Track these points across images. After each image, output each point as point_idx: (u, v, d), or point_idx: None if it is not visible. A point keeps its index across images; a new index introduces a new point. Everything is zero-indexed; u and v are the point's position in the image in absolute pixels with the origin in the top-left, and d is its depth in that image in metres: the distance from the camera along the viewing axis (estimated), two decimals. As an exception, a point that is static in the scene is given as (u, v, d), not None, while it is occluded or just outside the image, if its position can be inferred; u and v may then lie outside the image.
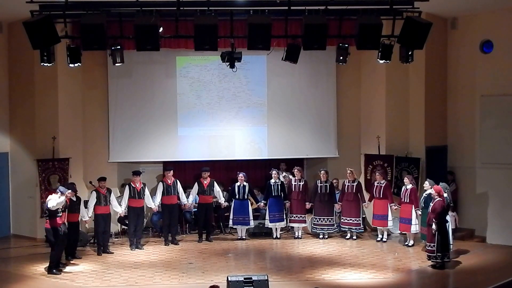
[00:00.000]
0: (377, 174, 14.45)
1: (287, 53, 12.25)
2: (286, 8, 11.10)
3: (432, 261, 11.95)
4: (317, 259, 12.86)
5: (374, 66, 14.71)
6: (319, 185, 14.64)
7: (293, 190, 14.70)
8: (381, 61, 12.23)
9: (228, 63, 12.24)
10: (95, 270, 11.90)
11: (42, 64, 11.46)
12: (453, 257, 12.88)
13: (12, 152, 15.42)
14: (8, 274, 11.89)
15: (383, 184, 14.26)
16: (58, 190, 11.74)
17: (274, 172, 14.75)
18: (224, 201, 14.73)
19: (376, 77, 15.43)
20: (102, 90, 15.37)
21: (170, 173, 14.34)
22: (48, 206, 11.56)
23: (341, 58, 12.64)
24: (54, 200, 11.51)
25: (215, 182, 14.62)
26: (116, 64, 12.56)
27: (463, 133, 15.40)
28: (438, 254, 11.77)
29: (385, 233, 14.41)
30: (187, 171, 15.83)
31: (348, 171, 14.65)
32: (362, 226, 14.71)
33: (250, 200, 14.83)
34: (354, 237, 14.61)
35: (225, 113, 15.58)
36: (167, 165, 15.09)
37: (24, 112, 15.04)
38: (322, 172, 14.75)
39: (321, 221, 14.63)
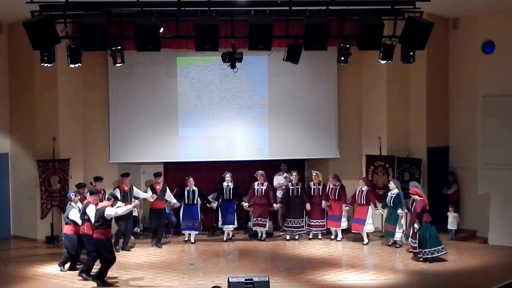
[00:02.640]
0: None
1: (288, 53, 12.24)
2: (287, 8, 11.09)
3: (418, 256, 12.43)
4: (318, 260, 12.83)
5: (375, 67, 14.67)
6: (290, 187, 14.60)
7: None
8: (383, 62, 12.23)
9: (229, 63, 12.23)
10: (96, 271, 11.84)
11: (42, 64, 11.45)
12: (454, 258, 12.92)
13: (12, 152, 15.39)
14: (8, 275, 11.85)
15: (338, 186, 14.46)
16: (110, 197, 11.44)
17: (227, 175, 14.64)
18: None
19: (378, 78, 15.39)
20: (102, 90, 15.34)
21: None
22: (107, 213, 10.91)
23: (342, 58, 12.62)
24: (114, 209, 11.17)
25: (167, 187, 14.42)
26: (117, 65, 12.55)
27: (465, 133, 15.37)
28: (420, 249, 12.33)
29: (339, 233, 14.61)
30: (188, 172, 15.76)
31: (314, 174, 14.68)
32: (325, 228, 14.72)
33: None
34: (320, 237, 14.66)
35: (226, 114, 15.54)
36: (168, 166, 15.05)
37: (24, 113, 15.02)
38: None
39: (290, 224, 14.57)
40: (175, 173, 15.62)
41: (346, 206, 14.35)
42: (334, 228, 14.61)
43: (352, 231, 14.54)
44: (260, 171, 14.77)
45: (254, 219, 14.65)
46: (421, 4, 11.32)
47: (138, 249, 13.82)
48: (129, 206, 11.98)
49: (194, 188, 14.44)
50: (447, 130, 15.72)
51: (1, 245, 14.42)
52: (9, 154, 15.41)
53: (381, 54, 12.01)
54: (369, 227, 14.15)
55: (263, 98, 15.65)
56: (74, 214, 11.78)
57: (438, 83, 15.42)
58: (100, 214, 10.88)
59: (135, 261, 12.77)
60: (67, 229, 11.94)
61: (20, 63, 14.96)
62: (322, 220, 14.61)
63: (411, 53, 11.77)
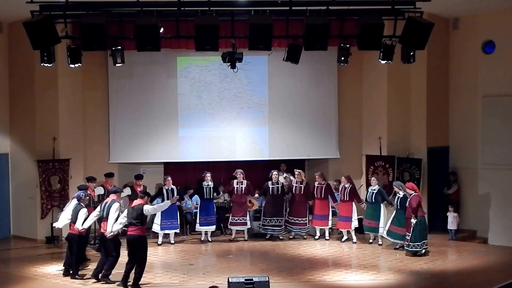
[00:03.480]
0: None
1: (288, 53, 12.23)
2: (287, 8, 11.08)
3: (409, 249, 12.79)
4: (318, 261, 12.82)
5: (375, 67, 14.66)
6: (270, 186, 14.53)
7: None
8: (383, 62, 12.22)
9: (229, 63, 12.22)
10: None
11: (42, 64, 11.43)
12: (454, 258, 12.99)
13: (12, 152, 15.37)
14: (8, 275, 11.83)
15: (323, 184, 14.52)
16: (142, 195, 11.22)
17: (207, 174, 14.50)
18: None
19: (378, 78, 15.39)
20: (102, 90, 15.33)
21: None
22: (146, 210, 10.81)
23: (342, 58, 12.61)
24: (152, 206, 11.21)
25: (147, 189, 14.23)
26: (117, 65, 12.54)
27: (465, 133, 15.36)
28: (416, 243, 12.68)
29: (326, 232, 14.65)
30: (188, 172, 15.78)
31: (296, 173, 14.66)
32: (308, 226, 14.68)
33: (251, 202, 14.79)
34: (302, 237, 14.65)
35: (226, 114, 15.54)
36: (168, 166, 14.99)
37: (24, 113, 15.01)
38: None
39: (270, 222, 14.52)
40: (175, 173, 15.56)
41: (361, 204, 14.23)
42: (321, 227, 14.60)
43: (338, 229, 14.58)
44: (239, 170, 14.65)
45: (234, 218, 14.49)
46: (421, 4, 11.31)
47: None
48: (168, 202, 11.79)
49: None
50: (447, 130, 15.72)
51: (1, 245, 14.40)
52: (9, 154, 15.39)
53: (381, 54, 12.00)
54: (356, 223, 14.24)
55: (263, 98, 15.64)
56: (83, 214, 11.42)
57: (438, 83, 15.42)
58: (138, 211, 10.71)
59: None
60: (72, 228, 11.58)
61: (20, 63, 14.95)
62: (304, 219, 14.54)
63: (411, 53, 11.76)
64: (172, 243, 14.16)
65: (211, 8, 10.86)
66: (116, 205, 11.03)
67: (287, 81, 15.67)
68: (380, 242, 13.95)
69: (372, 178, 14.25)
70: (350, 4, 11.47)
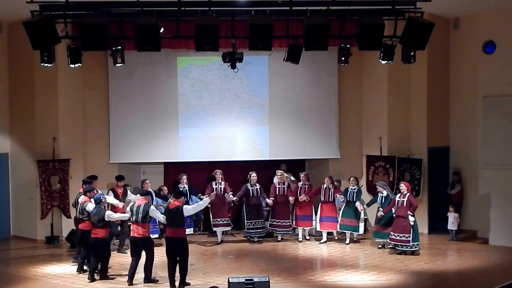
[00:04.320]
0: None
1: (289, 53, 12.22)
2: (288, 8, 11.06)
3: (403, 249, 12.97)
4: (318, 261, 12.82)
5: (376, 67, 14.65)
6: (250, 188, 14.40)
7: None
8: (383, 62, 12.21)
9: (230, 63, 12.21)
10: (96, 271, 11.80)
11: (42, 64, 11.43)
12: (455, 258, 13.06)
13: (12, 153, 15.36)
14: (8, 275, 11.83)
15: (307, 185, 14.54)
16: (176, 195, 11.18)
17: (184, 176, 14.39)
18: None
19: (378, 78, 15.37)
20: (102, 90, 15.31)
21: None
22: (186, 212, 10.84)
23: (343, 58, 12.60)
24: (191, 206, 11.32)
25: (128, 191, 13.94)
26: (117, 65, 12.53)
27: (466, 134, 15.34)
28: (415, 243, 12.93)
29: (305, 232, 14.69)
30: (188, 172, 15.73)
31: (278, 173, 14.61)
32: (292, 228, 14.65)
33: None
34: (279, 239, 14.58)
35: (226, 114, 15.52)
36: (168, 166, 14.91)
37: (24, 113, 15.00)
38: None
39: (253, 225, 14.40)
40: (176, 173, 15.55)
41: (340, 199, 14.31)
42: (304, 228, 14.60)
43: (321, 230, 14.54)
44: (219, 170, 14.57)
45: (216, 219, 14.29)
46: (421, 4, 11.30)
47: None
48: (207, 200, 11.70)
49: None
50: (448, 130, 15.70)
51: (1, 245, 14.39)
52: (9, 154, 15.38)
53: (381, 54, 11.99)
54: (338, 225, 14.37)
55: (264, 98, 15.63)
56: (109, 215, 11.30)
57: (438, 83, 15.40)
58: (178, 212, 10.68)
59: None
60: (99, 232, 11.24)
61: (20, 63, 14.93)
62: (287, 220, 14.48)
63: (412, 53, 11.76)
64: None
65: (211, 8, 10.84)
66: (152, 208, 11.01)
67: (288, 81, 15.65)
68: (348, 241, 14.12)
69: (351, 178, 14.29)
70: (350, 4, 11.45)
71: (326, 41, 11.08)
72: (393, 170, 15.07)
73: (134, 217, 10.93)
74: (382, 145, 15.20)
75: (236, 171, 15.59)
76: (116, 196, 13.55)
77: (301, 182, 14.62)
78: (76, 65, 12.11)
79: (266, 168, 15.62)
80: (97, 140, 15.33)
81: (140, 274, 11.16)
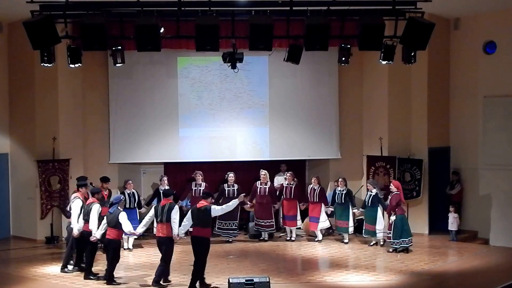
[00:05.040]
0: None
1: (289, 53, 12.19)
2: (288, 8, 11.05)
3: (391, 246, 13.26)
4: (318, 261, 12.82)
5: (376, 67, 14.64)
6: (226, 189, 14.39)
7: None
8: (384, 62, 12.19)
9: (230, 63, 12.20)
10: (96, 271, 11.79)
11: (42, 64, 11.40)
12: (455, 259, 12.97)
13: (12, 153, 15.36)
14: (8, 275, 11.82)
15: (293, 185, 14.55)
16: (205, 196, 11.12)
17: (164, 178, 14.35)
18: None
19: (379, 78, 15.37)
20: (102, 90, 15.32)
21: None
22: (213, 212, 10.88)
23: (343, 58, 12.56)
24: (220, 207, 11.22)
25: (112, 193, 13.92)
26: (117, 65, 12.50)
27: (466, 134, 15.33)
28: (395, 240, 13.15)
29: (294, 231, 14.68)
30: (188, 173, 15.73)
31: (262, 174, 14.57)
32: (274, 227, 14.65)
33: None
34: (266, 238, 14.60)
35: (226, 114, 15.51)
36: (168, 166, 14.85)
37: (24, 113, 14.99)
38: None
39: (225, 226, 14.36)
40: (176, 173, 15.57)
41: (303, 206, 14.47)
42: (289, 228, 14.60)
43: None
44: (199, 171, 14.53)
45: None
46: (422, 4, 11.28)
47: (138, 249, 13.78)
48: (236, 201, 11.56)
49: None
50: (448, 131, 15.69)
51: (0, 246, 14.38)
52: (9, 154, 15.38)
53: (382, 54, 11.97)
54: (323, 224, 14.42)
55: (264, 99, 15.62)
56: (125, 217, 11.04)
57: (439, 84, 15.39)
58: (206, 212, 10.66)
59: (136, 261, 12.75)
60: (113, 234, 10.93)
61: (20, 63, 14.93)
62: (270, 220, 14.46)
63: (412, 54, 11.73)
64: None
65: (211, 8, 10.83)
66: (177, 208, 10.91)
67: (288, 81, 15.65)
68: (346, 241, 14.25)
69: (340, 179, 14.37)
70: (350, 4, 11.45)
71: (326, 41, 11.06)
72: (393, 170, 15.06)
73: (159, 217, 10.81)
74: (382, 145, 15.19)
75: (236, 171, 15.54)
76: (102, 197, 12.91)
77: (287, 182, 14.61)
78: (76, 65, 12.09)
79: (266, 169, 15.58)
80: (97, 140, 15.33)
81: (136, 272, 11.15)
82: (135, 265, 12.40)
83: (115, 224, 10.85)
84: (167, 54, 14.75)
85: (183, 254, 13.35)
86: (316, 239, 14.44)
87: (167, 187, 14.08)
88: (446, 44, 15.53)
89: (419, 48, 11.35)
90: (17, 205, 15.33)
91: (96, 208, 11.31)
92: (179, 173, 15.53)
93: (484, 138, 14.98)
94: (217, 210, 10.94)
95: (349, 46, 12.44)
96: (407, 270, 11.97)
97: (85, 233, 11.40)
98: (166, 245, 10.85)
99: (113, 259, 11.03)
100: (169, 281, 10.98)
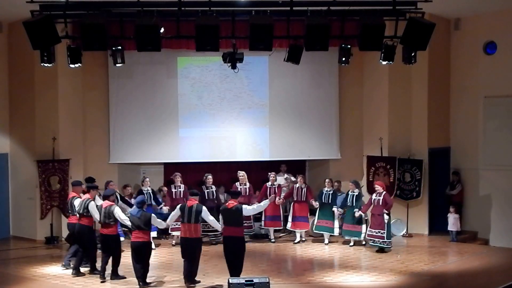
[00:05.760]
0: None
1: (289, 54, 12.18)
2: (288, 8, 11.04)
3: (379, 245, 13.39)
4: (318, 262, 12.81)
5: (376, 67, 14.62)
6: (205, 190, 14.28)
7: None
8: (384, 62, 12.18)
9: (230, 63, 12.19)
10: (96, 271, 11.78)
11: (42, 64, 11.39)
12: (455, 259, 13.01)
13: (12, 153, 15.35)
14: (8, 275, 11.81)
15: (276, 186, 14.55)
16: (234, 196, 11.20)
17: (147, 179, 14.18)
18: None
19: (379, 78, 15.35)
20: (102, 90, 15.31)
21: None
22: (249, 212, 11.10)
23: (343, 59, 12.52)
24: (252, 206, 11.39)
25: (97, 196, 13.07)
26: (117, 65, 12.47)
27: (466, 134, 15.31)
28: (388, 240, 13.37)
29: (303, 234, 14.63)
30: (188, 173, 15.72)
31: (241, 174, 14.55)
32: (254, 229, 14.59)
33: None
34: (273, 239, 14.60)
35: (226, 114, 15.51)
36: (168, 166, 14.83)
37: (24, 113, 14.98)
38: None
39: (209, 228, 14.03)
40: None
41: (280, 200, 14.39)
42: (300, 230, 14.57)
43: (291, 230, 14.62)
44: (178, 173, 14.41)
45: (176, 223, 13.22)
46: (422, 4, 11.27)
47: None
48: (267, 201, 11.56)
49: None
50: (449, 131, 15.68)
51: (0, 246, 14.37)
52: (9, 154, 15.37)
53: (382, 54, 11.96)
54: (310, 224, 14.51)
55: (264, 99, 15.61)
56: (156, 219, 11.07)
57: (439, 84, 15.38)
58: (237, 212, 10.65)
59: (157, 261, 12.67)
60: (143, 235, 10.73)
61: (20, 63, 14.92)
62: (249, 221, 14.29)
63: (413, 54, 11.72)
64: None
65: (211, 8, 10.82)
66: (205, 209, 10.86)
67: (288, 81, 15.64)
68: (326, 241, 14.28)
69: (327, 180, 14.46)
70: (351, 5, 11.43)
71: (326, 42, 11.05)
72: (393, 170, 15.05)
73: (186, 218, 10.70)
74: (382, 145, 15.18)
75: (236, 171, 15.52)
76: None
77: (269, 183, 14.59)
78: (76, 65, 12.07)
79: (266, 169, 15.59)
80: (97, 141, 15.32)
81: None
82: (159, 265, 12.39)
83: (145, 226, 10.67)
84: (167, 54, 14.74)
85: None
86: (295, 241, 14.44)
87: (149, 189, 13.96)
88: (447, 44, 15.52)
89: (420, 49, 11.35)
90: (17, 205, 15.32)
91: (93, 204, 11.37)
92: (179, 173, 15.48)
93: (484, 138, 14.97)
94: (249, 210, 11.01)
95: (349, 46, 12.41)
96: (407, 270, 11.96)
97: (111, 237, 11.22)
98: (194, 245, 10.75)
99: (147, 260, 10.78)
100: (198, 281, 10.89)
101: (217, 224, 10.95)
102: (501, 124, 14.70)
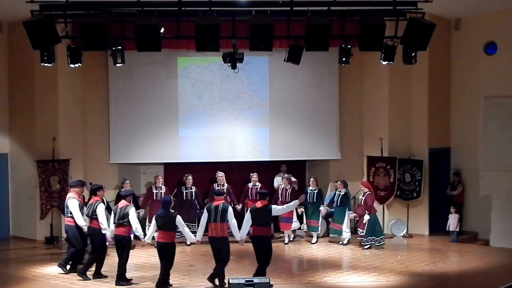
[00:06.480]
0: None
1: (289, 54, 12.18)
2: (288, 8, 11.05)
3: (364, 244, 13.71)
4: (319, 262, 12.81)
5: (376, 68, 14.62)
6: (184, 191, 14.26)
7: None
8: (384, 63, 12.19)
9: (230, 64, 12.18)
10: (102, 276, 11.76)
11: (42, 64, 11.40)
12: (455, 260, 13.01)
13: (11, 153, 15.34)
14: (8, 276, 11.79)
15: (258, 186, 14.50)
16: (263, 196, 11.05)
17: (127, 181, 14.03)
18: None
19: (379, 79, 15.34)
20: (102, 90, 15.29)
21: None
22: (278, 212, 11.27)
23: (343, 59, 12.54)
24: (280, 207, 11.46)
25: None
26: (117, 65, 12.47)
27: (467, 135, 15.30)
28: (368, 237, 13.62)
29: (291, 235, 14.68)
30: (188, 173, 15.72)
31: (219, 175, 14.53)
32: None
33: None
34: (286, 241, 14.53)
35: (226, 115, 15.49)
36: (168, 167, 14.82)
37: (24, 113, 14.98)
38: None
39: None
40: (176, 174, 15.55)
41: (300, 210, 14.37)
42: (286, 231, 14.55)
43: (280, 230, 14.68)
44: (160, 174, 14.45)
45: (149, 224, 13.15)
46: (423, 4, 11.28)
47: (138, 250, 13.75)
48: (297, 202, 11.42)
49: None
50: (449, 131, 15.67)
51: (0, 246, 14.36)
52: (9, 154, 15.37)
53: (382, 55, 11.97)
54: (295, 224, 14.50)
55: (264, 99, 15.59)
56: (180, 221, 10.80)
57: (439, 84, 15.37)
58: (266, 212, 10.63)
59: (135, 262, 12.70)
60: (167, 236, 10.59)
61: (20, 63, 14.92)
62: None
63: (413, 54, 11.74)
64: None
65: (211, 8, 10.84)
66: (231, 209, 10.83)
67: (288, 81, 15.62)
68: (314, 241, 14.40)
69: (311, 179, 14.59)
70: (351, 5, 11.45)
71: (326, 42, 11.05)
72: (393, 171, 15.04)
73: (212, 217, 10.64)
74: (382, 146, 15.18)
75: (236, 171, 15.54)
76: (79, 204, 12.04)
77: (252, 183, 14.61)
78: (76, 65, 12.08)
79: (266, 169, 15.58)
80: (97, 141, 15.30)
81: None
82: (134, 266, 12.34)
83: (170, 227, 10.57)
84: (167, 54, 14.72)
85: (183, 255, 13.36)
86: (285, 242, 14.45)
87: (129, 188, 13.62)
88: (447, 44, 15.51)
89: (420, 49, 11.36)
90: (17, 205, 15.32)
91: (102, 207, 11.25)
92: (179, 174, 15.47)
93: (484, 138, 14.96)
94: (278, 210, 11.11)
95: (349, 46, 12.42)
96: (407, 271, 11.95)
97: (124, 238, 11.08)
98: (222, 244, 10.74)
99: (170, 262, 10.68)
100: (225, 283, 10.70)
101: (236, 230, 10.77)
102: (502, 124, 14.69)
